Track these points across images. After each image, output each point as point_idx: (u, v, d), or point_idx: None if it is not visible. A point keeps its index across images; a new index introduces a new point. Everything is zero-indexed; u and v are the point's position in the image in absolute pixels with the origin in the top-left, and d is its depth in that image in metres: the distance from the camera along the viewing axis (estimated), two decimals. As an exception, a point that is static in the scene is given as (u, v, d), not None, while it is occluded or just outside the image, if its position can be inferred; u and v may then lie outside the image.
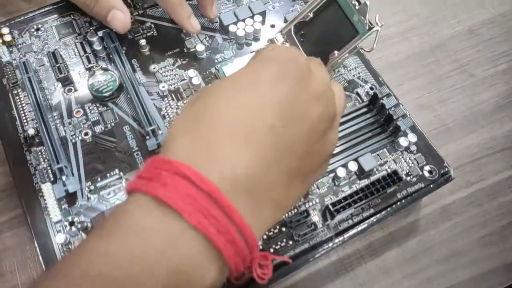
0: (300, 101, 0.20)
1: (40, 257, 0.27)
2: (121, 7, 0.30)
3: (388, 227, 0.34)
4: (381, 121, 0.30)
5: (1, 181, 0.33)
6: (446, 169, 0.30)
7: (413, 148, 0.30)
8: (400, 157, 0.30)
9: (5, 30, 0.33)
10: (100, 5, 0.29)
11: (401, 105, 0.31)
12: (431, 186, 0.29)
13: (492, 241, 0.36)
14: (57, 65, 0.31)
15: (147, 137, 0.29)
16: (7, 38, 0.32)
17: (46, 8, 0.35)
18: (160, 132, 0.29)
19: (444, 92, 0.41)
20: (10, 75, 0.31)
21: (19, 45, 0.33)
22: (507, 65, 0.43)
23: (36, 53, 0.33)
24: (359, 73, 0.33)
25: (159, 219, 0.16)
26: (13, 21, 0.34)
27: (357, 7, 0.29)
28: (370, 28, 0.29)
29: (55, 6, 0.35)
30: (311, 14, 0.31)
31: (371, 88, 0.33)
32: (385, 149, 0.30)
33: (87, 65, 0.32)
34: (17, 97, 0.31)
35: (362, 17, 0.29)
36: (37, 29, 0.34)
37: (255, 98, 0.19)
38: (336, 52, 0.30)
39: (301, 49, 0.32)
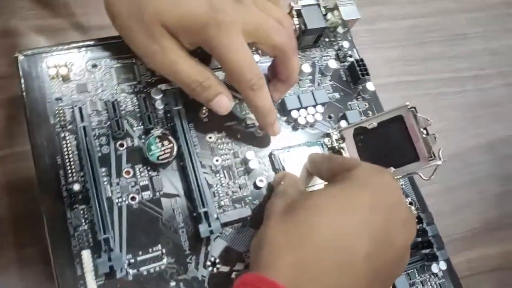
0: (391, 229, 0.22)
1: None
2: (227, 93, 0.29)
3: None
4: (417, 242, 0.32)
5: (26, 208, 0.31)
6: (463, 296, 0.32)
7: (440, 274, 0.32)
8: (427, 280, 0.32)
9: (62, 61, 0.30)
10: (208, 91, 0.28)
11: (439, 236, 0.32)
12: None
13: None
14: (115, 118, 0.29)
15: (194, 215, 0.28)
16: (63, 71, 0.30)
17: (105, 42, 0.32)
18: (208, 212, 0.29)
19: (456, 202, 0.44)
20: (60, 114, 0.29)
21: (73, 81, 0.31)
22: (514, 187, 0.46)
23: (90, 94, 0.31)
24: (402, 185, 0.34)
25: None
26: (67, 50, 0.31)
27: (424, 136, 0.30)
28: (431, 160, 0.30)
29: (115, 41, 0.33)
30: (375, 124, 0.32)
31: (410, 204, 0.34)
32: (415, 270, 0.32)
33: (147, 125, 0.30)
34: (64, 142, 0.29)
35: (426, 147, 0.30)
36: (94, 66, 0.32)
37: (354, 225, 0.21)
38: (392, 169, 0.31)
39: (357, 152, 0.33)
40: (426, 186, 0.43)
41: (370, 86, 0.36)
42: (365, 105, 0.37)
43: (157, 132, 0.30)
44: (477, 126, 0.48)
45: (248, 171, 0.32)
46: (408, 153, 0.31)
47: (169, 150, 0.30)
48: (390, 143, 0.32)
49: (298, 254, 0.20)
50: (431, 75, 0.47)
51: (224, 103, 0.29)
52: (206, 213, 0.28)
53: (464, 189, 0.45)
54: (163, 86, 0.32)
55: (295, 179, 0.29)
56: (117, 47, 0.32)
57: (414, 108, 0.31)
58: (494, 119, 0.49)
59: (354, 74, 0.37)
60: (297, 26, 0.34)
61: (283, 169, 0.32)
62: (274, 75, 0.33)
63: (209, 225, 0.28)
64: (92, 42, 0.32)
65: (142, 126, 0.30)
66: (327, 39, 0.38)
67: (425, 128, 0.30)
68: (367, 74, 0.36)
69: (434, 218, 0.42)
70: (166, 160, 0.29)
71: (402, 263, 0.24)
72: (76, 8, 0.40)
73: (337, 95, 0.36)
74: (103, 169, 0.29)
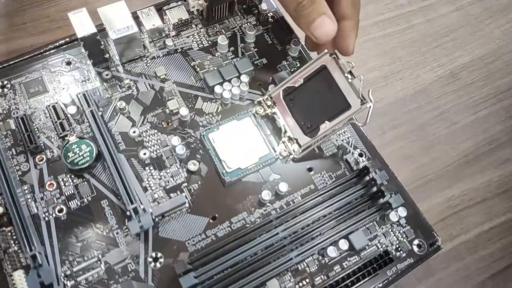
0: None
1: None
2: (331, 15, 0.26)
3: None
4: (371, 193, 0.30)
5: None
6: (435, 238, 0.30)
7: (403, 221, 0.30)
8: (390, 230, 0.30)
9: (-33, 89, 0.30)
10: (313, 8, 0.26)
11: (393, 180, 0.30)
12: (421, 259, 0.29)
13: (474, 297, 0.36)
14: (27, 133, 0.29)
15: (128, 214, 0.27)
16: (-31, 99, 0.29)
17: (11, 62, 0.32)
18: (142, 207, 0.27)
19: (426, 141, 0.42)
20: (-28, 142, 0.29)
21: (-17, 106, 0.30)
22: (487, 111, 0.44)
23: (1, 115, 0.30)
24: (348, 138, 0.33)
25: None
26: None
27: (349, 80, 0.28)
28: (362, 103, 0.28)
29: (20, 60, 0.32)
30: (301, 80, 0.30)
31: (360, 155, 0.32)
32: (374, 222, 0.30)
33: (60, 133, 0.29)
34: (-18, 168, 0.28)
35: (355, 91, 0.28)
36: (3, 87, 0.31)
37: None
38: (327, 122, 0.29)
39: (290, 113, 0.31)
40: (392, 130, 0.42)
41: (295, 43, 0.34)
42: (296, 64, 0.35)
43: (72, 138, 0.29)
44: (435, 58, 0.45)
45: (179, 158, 0.30)
46: (339, 101, 0.29)
47: (87, 153, 0.29)
48: (320, 96, 0.30)
49: None
50: (372, 19, 0.45)
51: (327, 25, 0.26)
52: (135, 209, 0.27)
53: (433, 125, 0.42)
54: (71, 92, 0.31)
55: None
56: (22, 63, 0.32)
57: (336, 54, 0.29)
58: (452, 47, 0.46)
59: (278, 35, 0.35)
60: (203, -2, 0.33)
61: (214, 149, 0.30)
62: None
63: (139, 221, 0.27)
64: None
65: (56, 135, 0.29)
66: (244, 6, 0.36)
67: (350, 72, 0.28)
68: (290, 32, 0.34)
69: (405, 161, 0.41)
70: (87, 165, 0.28)
71: None
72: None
73: (264, 60, 0.35)
74: (26, 187, 0.28)
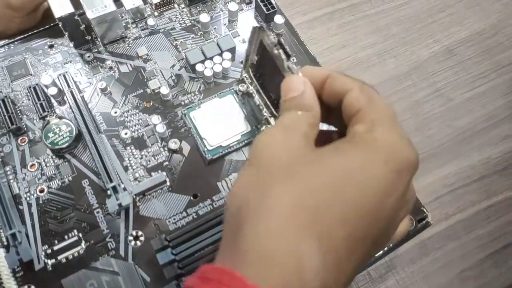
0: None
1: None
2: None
3: (366, 267, 0.33)
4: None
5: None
6: (424, 214, 0.29)
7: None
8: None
9: (-50, 74, 0.30)
10: None
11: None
12: (409, 234, 0.29)
13: (471, 276, 0.35)
14: (7, 114, 0.29)
15: (108, 193, 0.27)
16: (-48, 83, 0.30)
17: (-4, 45, 0.32)
18: (122, 186, 0.27)
19: (421, 119, 0.41)
20: (-44, 125, 0.29)
21: (-34, 90, 0.30)
22: (485, 87, 0.42)
23: (-15, 98, 0.30)
24: (333, 113, 0.32)
25: None
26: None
27: (275, 52, 0.26)
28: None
29: (4, 44, 0.32)
30: (256, 57, 0.29)
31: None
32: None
33: (41, 114, 0.29)
34: (-35, 150, 0.28)
35: (283, 66, 0.26)
36: (-14, 70, 0.31)
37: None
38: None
39: (261, 90, 0.30)
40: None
41: (278, 19, 0.34)
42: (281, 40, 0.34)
43: (52, 118, 0.29)
44: (430, 35, 0.44)
45: (161, 137, 0.30)
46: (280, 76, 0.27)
47: (67, 133, 0.29)
48: (271, 73, 0.28)
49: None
50: (364, -5, 0.44)
51: None
52: (114, 187, 0.27)
53: (428, 102, 0.41)
54: (51, 73, 0.31)
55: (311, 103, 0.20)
56: (4, 47, 0.32)
57: (262, 27, 0.27)
58: (449, 23, 0.44)
59: (261, 12, 0.34)
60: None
61: (195, 127, 0.30)
62: None
63: (117, 199, 0.26)
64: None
65: (37, 116, 0.30)
66: (228, -17, 0.36)
67: (279, 43, 0.26)
68: (273, 7, 0.34)
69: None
70: (66, 145, 0.28)
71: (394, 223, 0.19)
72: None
73: (246, 38, 0.34)
74: (8, 168, 0.28)
